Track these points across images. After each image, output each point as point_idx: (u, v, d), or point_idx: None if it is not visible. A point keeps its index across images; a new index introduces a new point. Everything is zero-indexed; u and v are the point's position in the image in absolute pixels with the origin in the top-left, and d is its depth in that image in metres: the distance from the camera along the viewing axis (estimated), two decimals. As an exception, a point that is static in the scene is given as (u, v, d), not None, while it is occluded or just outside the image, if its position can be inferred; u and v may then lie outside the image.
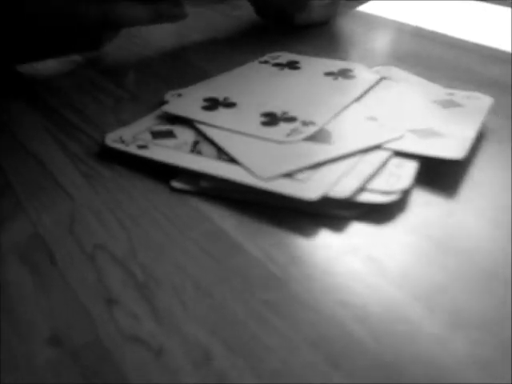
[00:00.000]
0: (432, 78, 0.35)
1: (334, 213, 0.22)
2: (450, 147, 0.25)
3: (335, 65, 0.36)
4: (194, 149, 0.26)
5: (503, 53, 0.40)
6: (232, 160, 0.25)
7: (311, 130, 0.27)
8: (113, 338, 0.17)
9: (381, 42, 0.45)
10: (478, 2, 0.53)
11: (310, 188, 0.22)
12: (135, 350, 0.16)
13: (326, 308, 0.18)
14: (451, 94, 0.31)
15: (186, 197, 0.24)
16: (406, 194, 0.23)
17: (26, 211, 0.23)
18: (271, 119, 0.28)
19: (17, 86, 0.37)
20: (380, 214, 0.22)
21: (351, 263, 0.20)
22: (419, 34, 0.45)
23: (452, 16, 0.49)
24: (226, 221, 0.22)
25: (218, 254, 0.20)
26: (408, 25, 0.47)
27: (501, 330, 0.17)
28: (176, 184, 0.25)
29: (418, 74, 0.36)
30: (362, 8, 0.53)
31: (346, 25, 0.48)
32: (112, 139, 0.28)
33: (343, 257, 0.20)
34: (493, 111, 0.31)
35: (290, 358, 0.16)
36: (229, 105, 0.30)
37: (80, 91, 0.36)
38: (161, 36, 0.48)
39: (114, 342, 0.17)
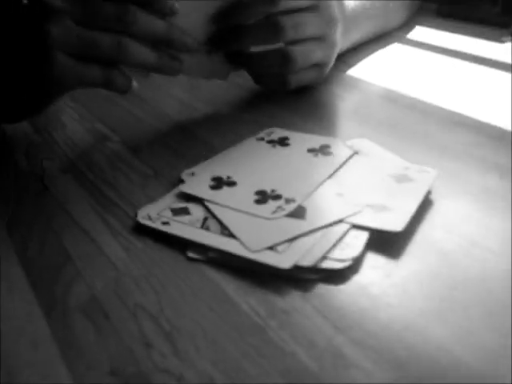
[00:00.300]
0: (400, 148, 0.44)
1: (303, 276, 0.31)
2: (393, 221, 0.34)
3: (317, 141, 0.45)
4: (203, 225, 0.36)
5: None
6: (231, 235, 0.34)
7: (292, 207, 0.36)
8: (150, 370, 0.26)
9: (360, 109, 0.54)
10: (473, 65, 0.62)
11: (285, 259, 0.31)
12: (165, 378, 0.26)
13: (292, 349, 0.27)
14: (406, 169, 0.40)
15: (199, 264, 0.33)
16: (357, 260, 0.32)
17: (84, 278, 0.33)
18: (262, 197, 0.37)
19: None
20: (338, 276, 0.31)
21: (312, 318, 0.29)
22: (400, 101, 0.54)
23: (436, 84, 0.59)
24: (228, 284, 0.31)
25: (220, 310, 0.30)
26: (392, 91, 0.56)
27: None
28: (191, 254, 0.34)
29: (390, 142, 0.44)
30: (350, 72, 0.62)
31: (332, 90, 0.57)
32: (142, 216, 0.37)
33: (305, 312, 0.29)
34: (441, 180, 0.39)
35: (265, 380, 0.25)
36: (230, 184, 0.39)
37: (112, 167, 0.45)
38: (167, 104, 0.57)
39: (151, 372, 0.26)
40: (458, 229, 0.35)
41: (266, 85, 0.56)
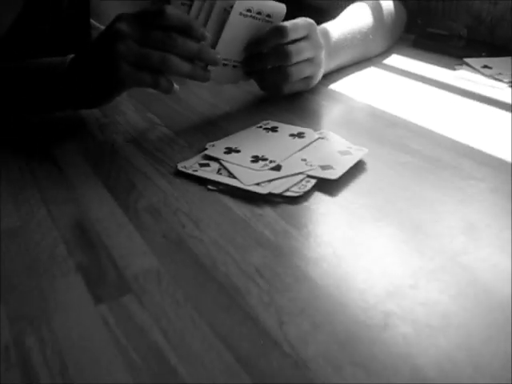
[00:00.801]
0: (353, 138, 0.66)
1: (274, 199, 0.55)
2: (333, 174, 0.57)
3: (296, 129, 0.68)
4: (218, 172, 0.59)
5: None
6: (235, 177, 0.57)
7: (272, 164, 0.59)
8: (186, 237, 0.50)
9: (334, 113, 0.77)
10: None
11: (264, 189, 0.54)
12: (195, 241, 0.49)
13: (261, 231, 0.50)
14: (349, 148, 0.63)
15: (214, 193, 0.56)
16: (307, 193, 0.55)
17: (144, 196, 0.56)
18: (255, 159, 0.60)
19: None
20: (295, 203, 0.54)
21: (276, 220, 0.52)
22: (366, 110, 0.77)
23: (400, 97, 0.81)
24: (231, 202, 0.54)
25: (224, 214, 0.52)
26: (360, 102, 0.79)
27: None
28: (209, 187, 0.57)
29: (349, 135, 0.67)
30: (332, 86, 0.85)
31: (316, 99, 0.80)
32: (180, 166, 0.60)
33: (273, 216, 0.52)
34: (371, 156, 0.62)
35: (247, 246, 0.48)
36: (236, 151, 0.63)
37: (160, 140, 0.69)
38: (197, 102, 0.81)
39: (187, 238, 0.50)
40: (367, 178, 0.58)
41: (268, 91, 0.79)
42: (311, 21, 0.75)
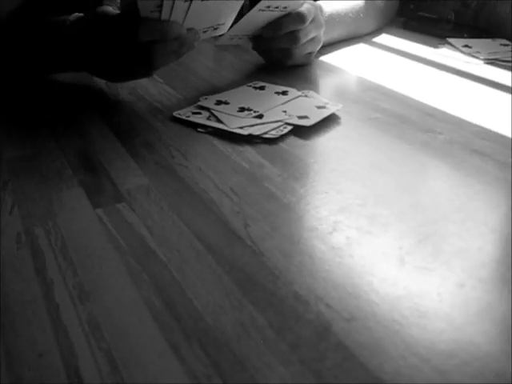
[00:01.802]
0: (333, 97, 0.74)
1: (254, 140, 0.63)
2: (308, 122, 0.65)
3: (281, 88, 0.76)
4: (208, 118, 0.67)
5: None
6: (222, 122, 0.66)
7: (256, 113, 0.67)
8: (174, 166, 0.58)
9: (319, 78, 0.85)
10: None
11: (246, 131, 0.63)
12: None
13: (240, 162, 0.58)
14: (326, 103, 0.71)
15: (204, 135, 0.65)
16: (282, 136, 0.63)
17: (144, 136, 0.65)
18: (241, 109, 0.69)
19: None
20: (272, 143, 0.62)
21: (255, 156, 0.60)
22: (347, 78, 0.85)
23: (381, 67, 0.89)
24: (217, 142, 0.63)
25: (213, 151, 0.61)
26: (344, 71, 0.87)
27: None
28: (199, 129, 0.65)
29: (329, 95, 0.75)
30: (323, 58, 0.93)
31: (305, 67, 0.88)
32: (176, 113, 0.69)
33: (252, 152, 0.60)
34: (346, 112, 0.70)
35: (227, 171, 0.57)
36: (226, 103, 0.71)
37: (162, 97, 0.77)
38: (201, 68, 0.89)
39: (176, 170, 0.58)
40: (338, 127, 0.66)
41: (272, 64, 0.86)
42: (317, 3, 0.83)
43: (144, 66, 0.68)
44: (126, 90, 0.78)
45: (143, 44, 0.65)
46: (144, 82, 0.81)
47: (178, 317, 0.37)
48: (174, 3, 0.63)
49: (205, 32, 0.74)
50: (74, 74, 0.79)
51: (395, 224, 0.47)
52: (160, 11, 0.63)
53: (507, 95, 0.76)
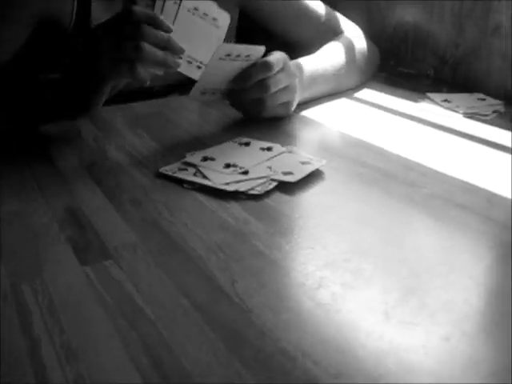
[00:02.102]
0: (314, 153, 0.76)
1: (240, 196, 0.63)
2: (292, 178, 0.66)
3: (266, 144, 0.77)
4: (194, 175, 0.68)
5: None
6: (208, 178, 0.67)
7: (242, 170, 0.68)
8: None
9: (302, 133, 0.87)
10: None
11: (232, 187, 0.63)
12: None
13: (225, 219, 0.59)
14: (310, 159, 0.72)
15: (189, 191, 0.65)
16: (267, 193, 0.64)
17: (126, 189, 0.65)
18: (227, 165, 0.70)
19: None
20: (257, 199, 0.63)
21: (240, 212, 0.61)
22: (331, 133, 0.87)
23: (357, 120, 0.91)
24: (203, 198, 0.63)
25: (197, 207, 0.61)
26: (327, 126, 0.89)
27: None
28: (185, 186, 0.66)
29: (312, 151, 0.76)
30: (304, 113, 0.95)
31: (288, 122, 0.90)
32: (163, 169, 0.70)
33: (238, 209, 0.61)
34: (330, 168, 0.71)
35: (211, 228, 0.57)
36: (212, 159, 0.72)
37: (147, 151, 0.78)
38: (186, 122, 0.91)
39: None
40: (323, 183, 0.67)
41: (249, 117, 0.88)
42: (285, 54, 0.85)
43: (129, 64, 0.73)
44: (113, 145, 0.79)
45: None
46: (131, 138, 0.82)
47: (166, 376, 0.37)
48: (164, 4, 0.75)
49: (180, 58, 0.79)
50: (62, 129, 0.81)
51: (380, 278, 0.48)
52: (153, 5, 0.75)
53: (486, 148, 0.78)
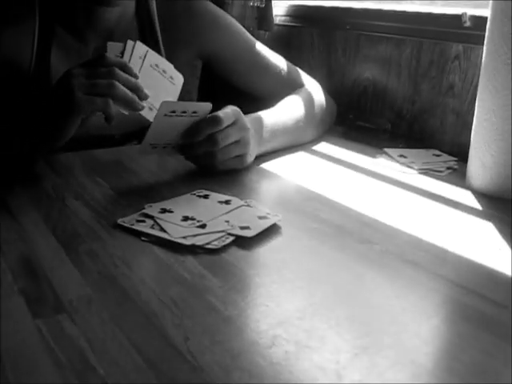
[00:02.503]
0: (272, 207, 0.77)
1: (197, 250, 0.64)
2: (249, 233, 0.67)
3: (225, 197, 0.78)
4: (152, 227, 0.68)
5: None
6: (165, 231, 0.67)
7: (199, 223, 0.69)
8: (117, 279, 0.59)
9: (261, 186, 0.88)
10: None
11: (189, 241, 0.64)
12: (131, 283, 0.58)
13: (182, 274, 0.59)
14: (268, 214, 0.73)
15: (147, 244, 0.66)
16: (224, 247, 0.65)
17: (86, 242, 0.65)
18: (185, 218, 0.70)
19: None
20: (214, 253, 0.64)
21: (196, 267, 0.61)
22: (288, 186, 0.88)
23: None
24: (161, 251, 0.64)
25: (155, 262, 0.62)
26: (284, 179, 0.91)
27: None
28: (143, 238, 0.66)
29: (271, 205, 0.78)
30: (264, 165, 0.97)
31: (247, 174, 0.91)
32: (121, 221, 0.70)
33: (194, 263, 0.61)
34: (287, 222, 0.72)
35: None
36: (170, 211, 0.72)
37: (105, 201, 0.78)
38: (145, 174, 0.91)
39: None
40: (279, 237, 0.68)
41: (203, 169, 0.90)
42: (237, 108, 0.87)
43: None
44: (72, 194, 0.79)
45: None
46: (90, 186, 0.82)
47: None
48: (130, 57, 0.87)
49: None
50: (20, 175, 0.81)
51: (332, 337, 0.49)
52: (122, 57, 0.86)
53: (439, 205, 0.81)
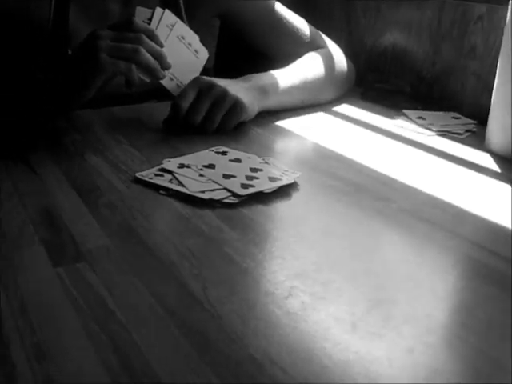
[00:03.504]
0: (289, 164, 0.77)
1: (214, 204, 0.64)
2: (268, 189, 0.67)
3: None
4: (170, 181, 0.69)
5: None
6: (183, 185, 0.67)
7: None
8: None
9: (278, 145, 0.88)
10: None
11: (207, 196, 0.65)
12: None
13: (196, 224, 0.60)
14: (286, 171, 0.74)
15: (165, 197, 0.66)
16: (244, 202, 0.65)
17: (104, 194, 0.66)
18: (204, 172, 0.71)
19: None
20: (232, 207, 0.64)
21: (215, 219, 0.62)
22: (306, 145, 0.88)
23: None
24: (178, 204, 0.64)
25: (172, 213, 0.62)
26: (303, 138, 0.90)
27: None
28: (161, 192, 0.67)
29: (287, 161, 0.78)
30: (279, 123, 0.97)
31: (265, 133, 0.91)
32: (139, 174, 0.70)
33: (212, 216, 0.62)
34: (305, 180, 0.72)
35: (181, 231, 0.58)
36: (188, 166, 0.73)
37: (125, 155, 0.79)
38: (161, 129, 0.91)
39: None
40: (296, 194, 0.68)
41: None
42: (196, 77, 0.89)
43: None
44: (91, 150, 0.79)
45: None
46: (109, 142, 0.82)
47: (136, 379, 0.38)
48: (158, 24, 0.86)
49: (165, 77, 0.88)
50: (41, 131, 0.81)
51: (348, 290, 0.49)
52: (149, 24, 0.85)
53: (456, 166, 0.80)
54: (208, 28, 1.17)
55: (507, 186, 0.74)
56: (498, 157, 0.84)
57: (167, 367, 0.39)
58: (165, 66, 0.85)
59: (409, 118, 1.03)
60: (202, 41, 0.94)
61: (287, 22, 1.12)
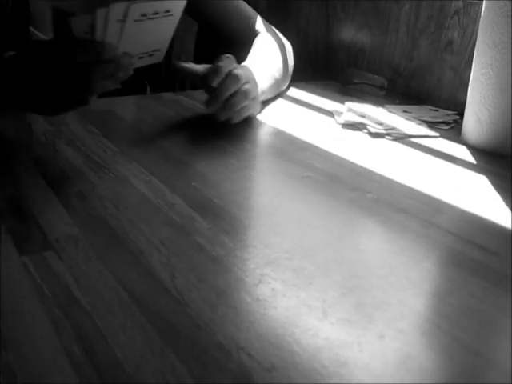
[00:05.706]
0: (268, 157, 0.76)
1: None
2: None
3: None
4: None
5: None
6: None
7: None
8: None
9: (252, 136, 0.87)
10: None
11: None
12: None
13: None
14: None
15: (138, 188, 0.65)
16: (215, 191, 0.64)
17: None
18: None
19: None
20: (204, 198, 0.63)
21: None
22: (284, 137, 0.87)
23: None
24: (152, 196, 0.63)
25: (146, 208, 0.61)
26: (277, 129, 0.90)
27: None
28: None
29: (260, 152, 0.77)
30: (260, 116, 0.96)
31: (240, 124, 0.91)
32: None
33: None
34: (280, 171, 0.72)
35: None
36: None
37: (97, 147, 0.77)
38: (133, 119, 0.90)
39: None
40: (265, 184, 0.67)
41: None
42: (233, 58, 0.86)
43: (82, 90, 0.70)
44: (63, 140, 0.78)
45: (80, 67, 0.67)
46: (81, 133, 0.81)
47: (98, 366, 0.37)
48: (107, 23, 0.67)
49: (140, 58, 0.76)
50: (12, 122, 0.80)
51: (320, 277, 0.48)
52: (93, 32, 0.67)
53: (432, 158, 0.80)
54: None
55: (482, 177, 0.74)
56: (473, 149, 0.84)
57: (131, 354, 0.38)
58: (126, 66, 0.72)
59: (393, 114, 1.02)
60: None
61: (240, 7, 1.12)
